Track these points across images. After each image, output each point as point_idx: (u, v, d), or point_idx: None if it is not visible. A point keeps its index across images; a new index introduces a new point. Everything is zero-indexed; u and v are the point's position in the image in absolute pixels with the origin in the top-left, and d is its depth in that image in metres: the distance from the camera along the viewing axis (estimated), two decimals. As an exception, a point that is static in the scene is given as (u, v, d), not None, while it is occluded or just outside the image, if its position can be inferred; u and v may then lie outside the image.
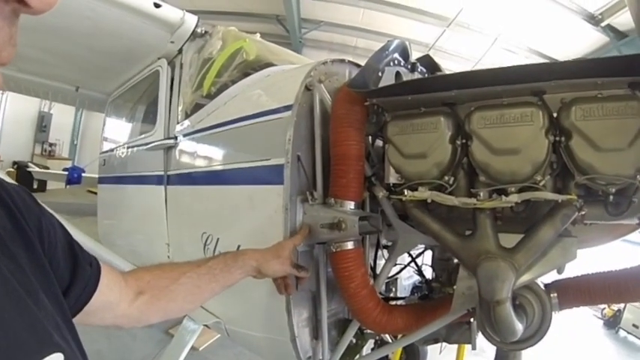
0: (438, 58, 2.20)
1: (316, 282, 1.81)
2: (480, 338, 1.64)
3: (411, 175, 1.53)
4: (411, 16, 10.55)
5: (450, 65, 11.01)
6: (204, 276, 1.35)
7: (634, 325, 7.92)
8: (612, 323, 8.44)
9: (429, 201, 1.48)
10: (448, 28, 10.42)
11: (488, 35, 10.41)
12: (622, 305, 8.11)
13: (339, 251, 1.61)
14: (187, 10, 2.91)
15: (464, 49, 11.40)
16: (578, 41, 9.68)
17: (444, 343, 2.02)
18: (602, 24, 8.84)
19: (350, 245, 1.61)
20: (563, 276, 1.51)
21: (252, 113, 2.03)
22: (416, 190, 1.51)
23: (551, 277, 1.50)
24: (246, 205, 1.99)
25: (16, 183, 2.47)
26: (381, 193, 1.66)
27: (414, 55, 2.10)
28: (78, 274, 0.93)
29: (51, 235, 0.85)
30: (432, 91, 1.46)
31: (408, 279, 2.49)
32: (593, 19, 8.91)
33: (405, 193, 1.52)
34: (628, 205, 1.27)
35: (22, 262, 0.71)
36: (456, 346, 2.89)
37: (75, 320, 0.90)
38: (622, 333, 8.23)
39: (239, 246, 1.95)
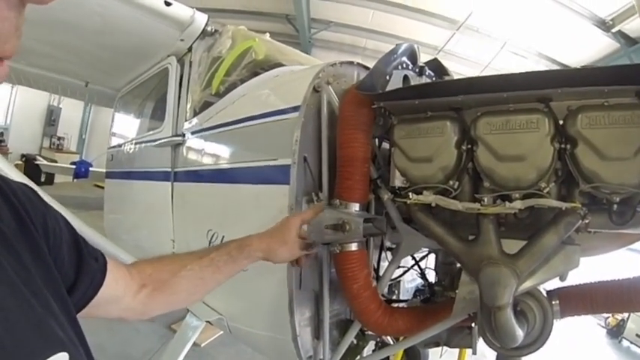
0: (447, 62, 2.20)
1: (319, 282, 1.82)
2: (482, 343, 1.64)
3: (416, 179, 1.54)
4: (421, 19, 10.51)
5: (459, 69, 11.00)
6: (207, 268, 1.34)
7: (637, 335, 7.90)
8: (615, 333, 8.42)
9: (433, 205, 1.48)
10: (458, 32, 10.39)
11: (498, 39, 10.37)
12: (626, 315, 8.09)
13: (343, 252, 1.61)
14: (197, 9, 2.92)
15: (473, 53, 11.36)
16: (589, 47, 9.62)
17: (445, 347, 2.02)
18: (613, 30, 8.78)
19: (354, 247, 1.61)
20: (566, 284, 1.51)
21: (261, 113, 2.04)
22: (420, 193, 1.51)
23: (554, 284, 1.50)
24: (252, 203, 2.00)
25: (23, 177, 2.49)
26: (386, 196, 1.67)
27: (423, 58, 2.10)
28: (83, 270, 0.93)
29: (56, 233, 0.86)
30: (439, 95, 1.46)
31: (411, 282, 2.49)
32: (604, 25, 8.85)
33: (410, 196, 1.53)
34: (632, 214, 1.27)
35: (26, 262, 0.71)
36: (457, 350, 2.88)
37: (81, 314, 0.92)
38: (625, 343, 8.20)
39: (244, 244, 1.98)
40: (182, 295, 1.31)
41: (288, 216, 1.66)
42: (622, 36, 8.90)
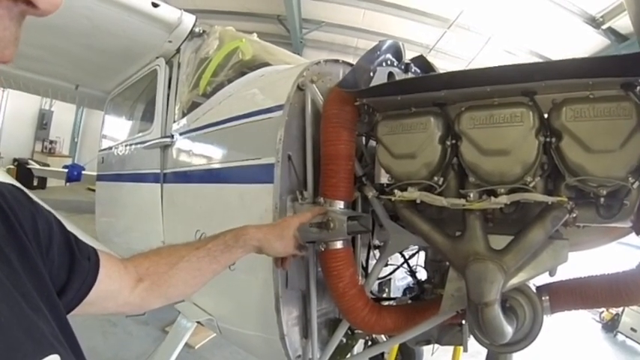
0: (438, 60, 2.20)
1: (306, 281, 1.81)
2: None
3: (400, 176, 1.53)
4: (412, 17, 10.54)
5: (450, 67, 10.96)
6: (204, 259, 1.33)
7: (632, 329, 7.90)
8: (610, 327, 8.42)
9: (418, 201, 1.47)
10: (449, 30, 10.40)
11: (489, 37, 10.40)
12: (620, 309, 8.08)
13: (328, 250, 1.61)
14: (189, 10, 2.92)
15: (465, 51, 11.37)
16: (579, 44, 9.66)
17: (436, 345, 2.01)
18: (604, 27, 8.83)
19: (339, 245, 1.61)
20: (556, 278, 1.50)
21: (246, 112, 2.04)
22: (405, 190, 1.50)
23: (544, 279, 1.49)
24: (238, 203, 2.00)
25: (10, 180, 2.46)
26: (370, 193, 1.67)
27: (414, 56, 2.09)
28: (75, 270, 0.93)
29: (46, 234, 0.85)
30: (422, 91, 1.45)
31: (402, 279, 2.48)
32: (595, 22, 8.90)
33: (395, 193, 1.51)
34: (619, 207, 1.25)
35: (15, 265, 0.71)
36: (452, 347, 2.88)
37: (76, 311, 0.93)
38: (620, 337, 8.22)
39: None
40: (180, 288, 1.29)
41: (288, 216, 1.66)
42: (612, 32, 8.95)
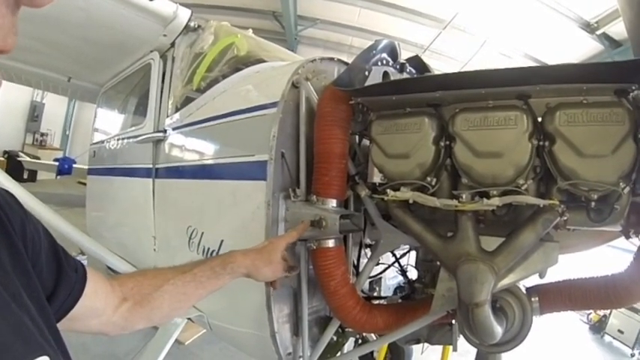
0: (433, 60, 2.21)
1: (297, 279, 1.80)
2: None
3: (393, 175, 1.53)
4: (407, 17, 10.57)
5: (445, 68, 11.05)
6: (190, 283, 1.32)
7: (619, 331, 8.00)
8: (598, 328, 8.53)
9: (411, 201, 1.47)
10: (444, 31, 10.43)
11: (485, 39, 10.44)
12: (608, 311, 8.17)
13: (320, 249, 1.61)
14: (184, 4, 2.89)
15: (460, 53, 11.41)
16: (574, 48, 9.74)
17: (426, 344, 2.02)
18: (598, 32, 8.92)
19: (331, 243, 1.62)
20: (546, 280, 1.51)
21: (240, 109, 2.02)
22: (398, 190, 1.50)
23: (534, 280, 1.50)
24: (230, 200, 1.98)
25: (4, 174, 2.42)
26: (363, 192, 1.67)
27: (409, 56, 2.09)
28: (62, 281, 0.92)
29: (35, 242, 0.85)
30: (417, 91, 1.45)
31: (392, 279, 2.49)
32: (589, 27, 8.99)
33: (388, 192, 1.52)
34: (610, 211, 1.27)
35: (6, 266, 0.71)
36: (441, 346, 2.89)
37: (60, 326, 0.90)
38: (607, 338, 8.31)
39: (222, 241, 1.95)
40: (164, 310, 1.29)
41: (274, 237, 1.64)
42: (606, 38, 9.04)
